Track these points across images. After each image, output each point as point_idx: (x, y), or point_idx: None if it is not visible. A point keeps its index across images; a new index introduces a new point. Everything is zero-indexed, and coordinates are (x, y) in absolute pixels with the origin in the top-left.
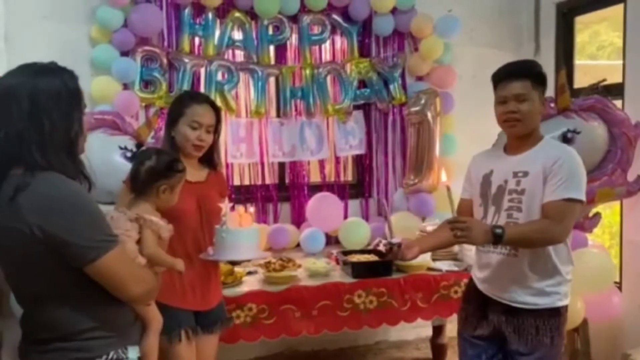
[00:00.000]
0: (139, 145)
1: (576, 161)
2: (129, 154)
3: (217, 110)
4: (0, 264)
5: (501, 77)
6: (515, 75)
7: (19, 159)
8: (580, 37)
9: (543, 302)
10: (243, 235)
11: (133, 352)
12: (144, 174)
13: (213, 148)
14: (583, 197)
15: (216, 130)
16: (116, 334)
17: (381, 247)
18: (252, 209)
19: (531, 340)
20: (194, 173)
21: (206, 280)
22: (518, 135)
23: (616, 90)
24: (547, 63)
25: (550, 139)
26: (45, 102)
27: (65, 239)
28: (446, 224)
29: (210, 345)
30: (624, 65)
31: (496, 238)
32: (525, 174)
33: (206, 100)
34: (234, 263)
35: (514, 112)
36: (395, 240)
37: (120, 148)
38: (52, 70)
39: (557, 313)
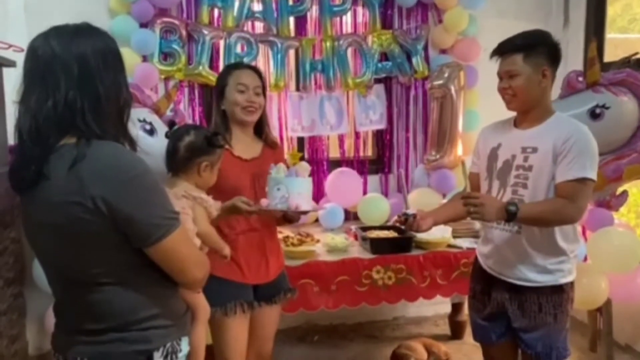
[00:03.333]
0: (172, 123)
1: (588, 139)
2: (147, 127)
3: (259, 74)
4: (44, 244)
5: (494, 54)
6: (503, 51)
7: (70, 129)
8: (612, 10)
9: (546, 279)
10: (299, 185)
11: (185, 344)
12: (184, 150)
13: (263, 119)
14: (593, 177)
15: (264, 93)
16: (174, 323)
17: (395, 218)
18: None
19: (534, 317)
20: (249, 149)
21: (262, 254)
22: (518, 110)
23: None
24: (577, 36)
25: (561, 115)
26: (96, 65)
27: (132, 214)
28: (459, 196)
29: (271, 316)
30: None
31: (510, 215)
32: (535, 149)
33: (247, 65)
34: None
35: (506, 88)
36: (410, 211)
37: (139, 121)
38: (91, 31)
39: (560, 290)
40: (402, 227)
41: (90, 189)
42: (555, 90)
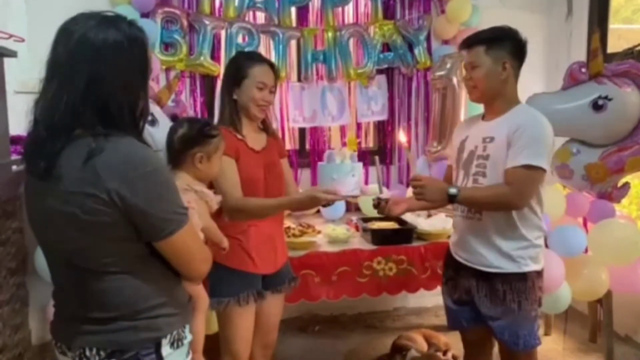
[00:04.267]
0: (174, 117)
1: (540, 128)
2: (149, 118)
3: (275, 70)
4: (54, 232)
5: (460, 46)
6: (469, 43)
7: (85, 124)
8: (615, 0)
9: (509, 266)
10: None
11: (188, 331)
12: (178, 143)
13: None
14: (543, 165)
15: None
16: (180, 311)
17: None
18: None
19: (499, 304)
20: (257, 141)
21: (271, 244)
22: (479, 101)
23: None
24: (580, 27)
25: (524, 106)
26: (114, 61)
27: (145, 209)
28: None
29: (277, 305)
30: None
31: (450, 197)
32: (492, 139)
33: (265, 60)
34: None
35: (467, 79)
36: (383, 195)
37: None
38: (117, 23)
39: (524, 278)
40: (375, 210)
41: (105, 182)
42: (558, 81)
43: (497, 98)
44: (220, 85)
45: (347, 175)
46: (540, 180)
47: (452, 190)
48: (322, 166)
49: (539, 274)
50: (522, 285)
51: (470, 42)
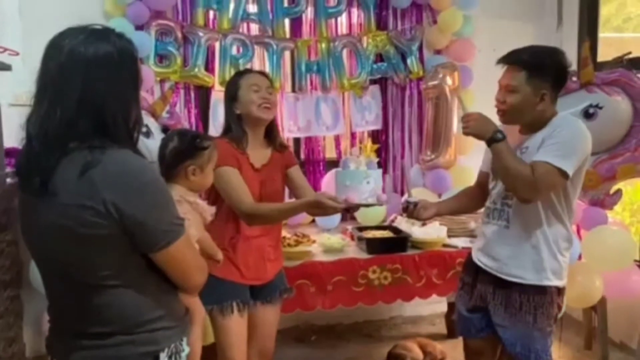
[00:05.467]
0: (165, 129)
1: (573, 131)
2: (144, 129)
3: (266, 75)
4: (50, 246)
5: (500, 61)
6: (510, 62)
7: (79, 138)
8: (607, 9)
9: (529, 277)
10: (380, 178)
11: (186, 344)
12: (169, 157)
13: (273, 121)
14: (565, 167)
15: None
16: (178, 324)
17: (400, 205)
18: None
19: (514, 314)
20: (260, 156)
21: (260, 255)
22: (507, 123)
23: None
24: (570, 36)
25: (563, 115)
26: (105, 75)
27: (142, 220)
28: (470, 191)
29: (270, 316)
30: None
31: (491, 138)
32: (527, 148)
33: (256, 70)
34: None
35: (501, 101)
36: (412, 199)
37: None
38: (107, 36)
39: (544, 292)
40: (404, 214)
41: (102, 194)
42: None
43: (529, 121)
44: (214, 98)
45: (360, 182)
46: (558, 183)
47: (498, 135)
48: (337, 172)
49: (560, 291)
50: (540, 299)
51: (512, 61)
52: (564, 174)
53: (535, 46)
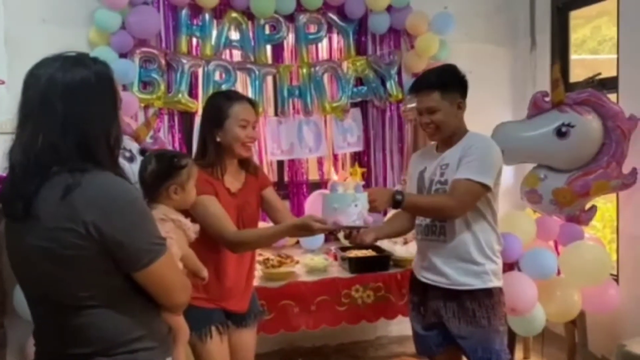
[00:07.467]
0: (143, 151)
1: (487, 147)
2: (127, 154)
3: (254, 106)
4: (32, 268)
5: (412, 90)
6: (423, 88)
7: (61, 163)
8: (582, 32)
9: (475, 282)
10: (366, 200)
11: None
12: (149, 179)
13: None
14: (486, 181)
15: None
16: (159, 343)
17: (340, 233)
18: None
19: (470, 322)
20: (234, 181)
21: (240, 285)
22: (439, 140)
23: (611, 84)
24: (543, 58)
25: (473, 132)
26: (84, 100)
27: (122, 240)
28: (400, 214)
29: (247, 339)
30: (618, 59)
31: (395, 203)
32: (447, 165)
33: (243, 97)
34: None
35: (428, 123)
36: (353, 225)
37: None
38: (84, 62)
39: (490, 294)
40: (347, 240)
41: (82, 215)
42: (525, 111)
43: (455, 132)
44: (198, 123)
45: (349, 205)
46: (480, 195)
47: (398, 197)
48: (324, 196)
49: (501, 290)
50: (489, 301)
51: (422, 86)
52: (485, 187)
53: (432, 69)
